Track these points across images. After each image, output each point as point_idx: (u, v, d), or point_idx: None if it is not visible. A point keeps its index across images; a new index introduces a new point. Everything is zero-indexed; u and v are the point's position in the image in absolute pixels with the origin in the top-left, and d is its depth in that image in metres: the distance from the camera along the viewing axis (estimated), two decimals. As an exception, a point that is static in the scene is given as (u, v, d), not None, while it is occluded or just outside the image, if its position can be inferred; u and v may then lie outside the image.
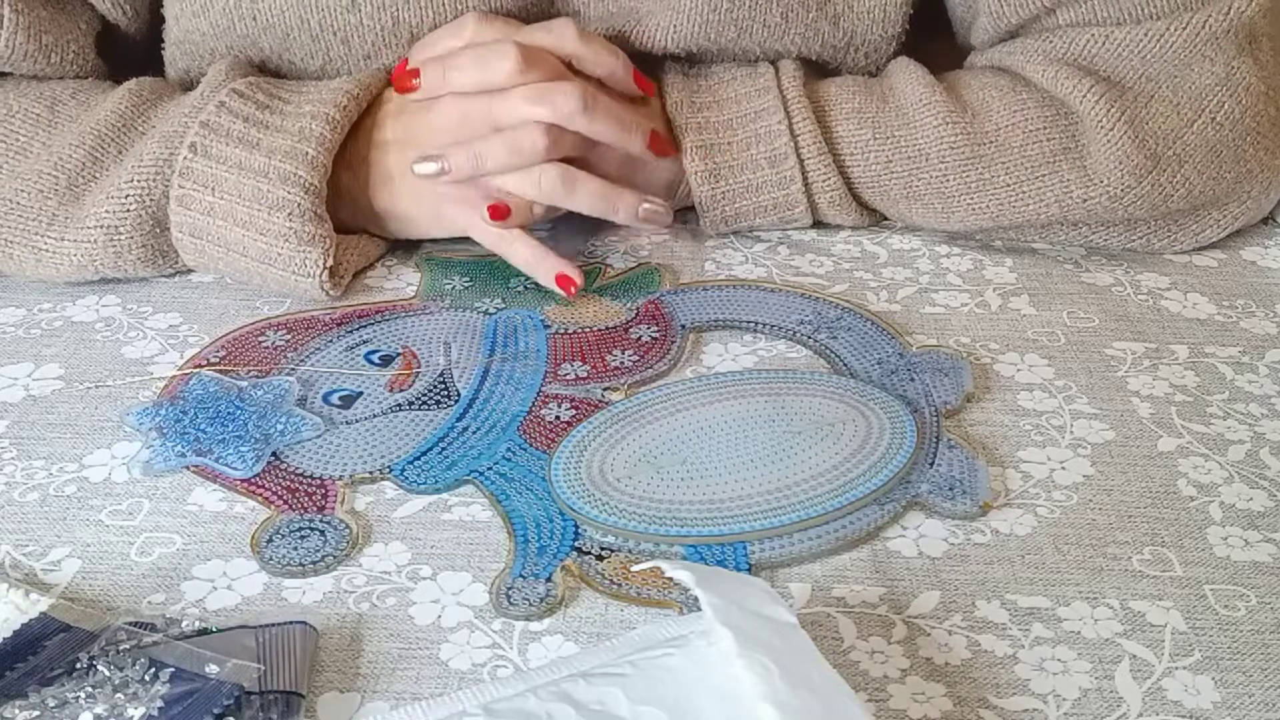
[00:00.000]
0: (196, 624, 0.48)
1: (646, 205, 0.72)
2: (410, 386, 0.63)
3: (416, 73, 0.70)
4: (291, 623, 0.48)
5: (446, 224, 0.72)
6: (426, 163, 0.69)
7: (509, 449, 0.58)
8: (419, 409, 0.61)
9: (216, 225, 0.68)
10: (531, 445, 0.59)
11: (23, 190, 0.69)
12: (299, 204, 0.67)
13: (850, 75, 0.77)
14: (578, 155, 0.70)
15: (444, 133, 0.70)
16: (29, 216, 0.69)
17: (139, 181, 0.68)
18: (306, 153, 0.67)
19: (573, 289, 0.68)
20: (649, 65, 0.76)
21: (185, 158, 0.68)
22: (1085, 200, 0.71)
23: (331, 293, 0.69)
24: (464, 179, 0.69)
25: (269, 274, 0.68)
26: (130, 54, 0.78)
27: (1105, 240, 0.75)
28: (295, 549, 0.53)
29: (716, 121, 0.73)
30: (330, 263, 0.68)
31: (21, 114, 0.72)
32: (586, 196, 0.70)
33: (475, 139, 0.69)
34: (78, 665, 0.45)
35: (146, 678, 0.44)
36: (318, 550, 0.53)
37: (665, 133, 0.73)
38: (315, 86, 0.72)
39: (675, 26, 0.74)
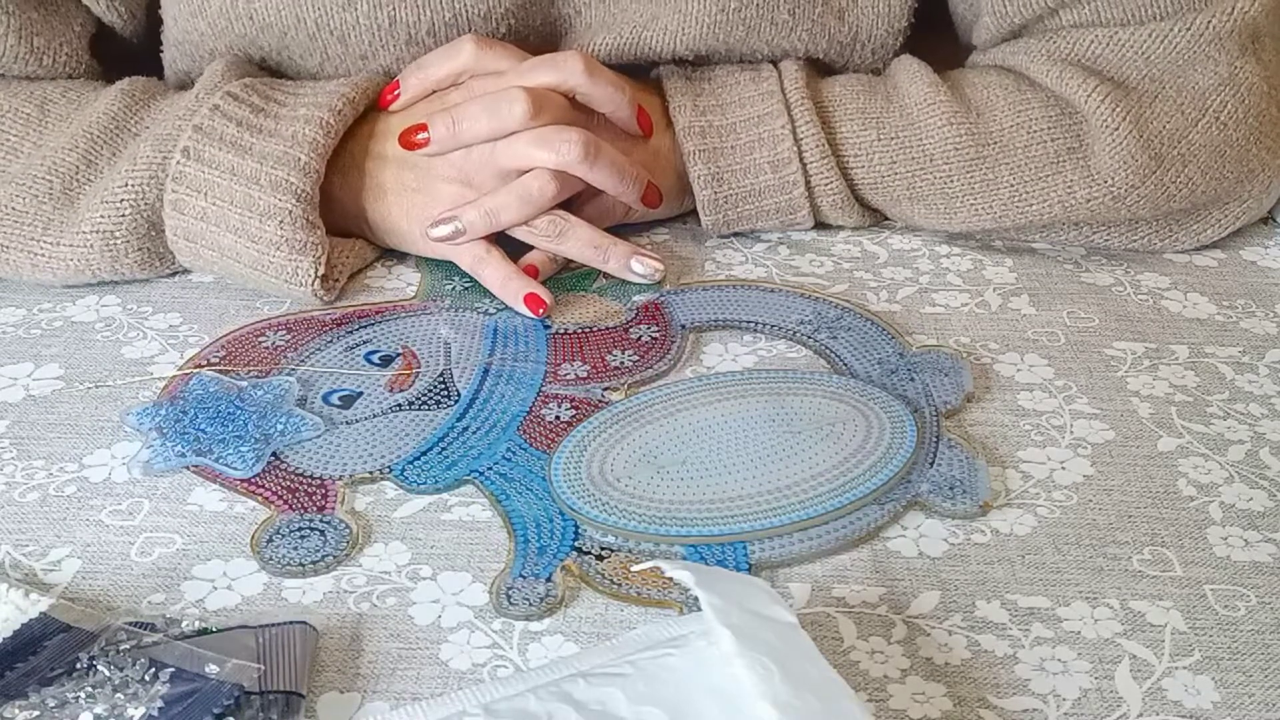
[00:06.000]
0: (196, 624, 0.48)
1: (638, 259, 0.71)
2: (410, 386, 0.63)
3: (423, 126, 0.69)
4: (291, 623, 0.48)
5: (435, 244, 0.71)
6: (441, 226, 0.69)
7: (509, 449, 0.58)
8: (419, 409, 0.61)
9: (210, 230, 0.68)
10: (531, 445, 0.59)
11: (17, 194, 0.69)
12: (290, 211, 0.67)
13: (854, 74, 0.77)
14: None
15: (446, 164, 0.70)
16: (24, 221, 0.69)
17: (133, 186, 0.68)
18: (299, 158, 0.67)
19: (541, 309, 0.68)
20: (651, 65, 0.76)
21: (178, 162, 0.67)
22: (1089, 200, 0.71)
23: (325, 298, 0.69)
24: (481, 235, 0.69)
25: (262, 280, 0.68)
26: (124, 57, 0.78)
27: (1106, 240, 0.75)
28: (295, 549, 0.53)
29: (720, 125, 0.73)
30: (322, 270, 0.68)
31: (11, 114, 0.72)
32: (576, 243, 0.70)
33: (485, 195, 0.69)
34: (78, 665, 0.45)
35: (146, 678, 0.44)
36: (318, 550, 0.53)
37: (669, 185, 0.74)
38: (311, 89, 0.72)
39: (683, 29, 0.74)
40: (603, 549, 0.53)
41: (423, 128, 0.69)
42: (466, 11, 0.72)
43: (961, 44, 0.80)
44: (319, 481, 0.57)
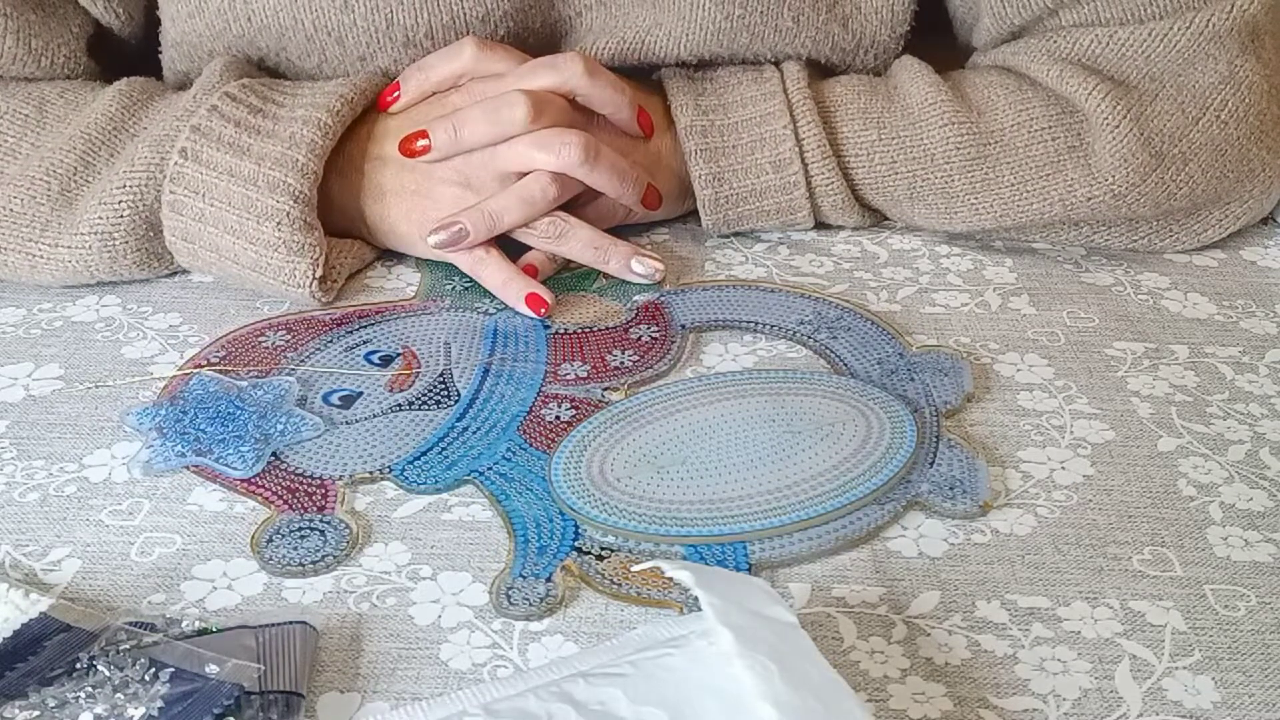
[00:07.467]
0: (196, 624, 0.48)
1: (638, 259, 0.71)
2: (410, 386, 0.63)
3: (424, 133, 0.69)
4: (291, 623, 0.48)
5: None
6: (440, 232, 0.68)
7: (509, 449, 0.58)
8: (419, 409, 0.61)
9: (208, 231, 0.68)
10: (531, 445, 0.59)
11: (15, 196, 0.69)
12: (288, 213, 0.66)
13: (855, 74, 0.77)
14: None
15: (446, 167, 0.70)
16: (22, 223, 0.69)
17: (131, 187, 0.68)
18: (296, 160, 0.67)
19: (543, 309, 0.68)
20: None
21: (176, 163, 0.67)
22: (1089, 199, 0.71)
23: (323, 299, 0.69)
24: (483, 239, 0.69)
25: (260, 281, 0.68)
26: (123, 58, 0.78)
27: (1107, 240, 0.75)
28: (295, 549, 0.53)
29: (722, 125, 0.73)
30: (320, 272, 0.68)
31: (9, 115, 0.71)
32: (577, 244, 0.70)
33: (485, 199, 0.69)
34: (78, 665, 0.45)
35: (146, 678, 0.44)
36: (318, 550, 0.53)
37: (669, 186, 0.74)
38: (309, 89, 0.71)
39: (687, 35, 0.73)
40: (603, 549, 0.53)
41: (423, 135, 0.69)
42: (464, 14, 0.72)
43: (961, 45, 0.80)
44: (319, 481, 0.57)
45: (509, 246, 0.71)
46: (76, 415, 0.62)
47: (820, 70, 0.77)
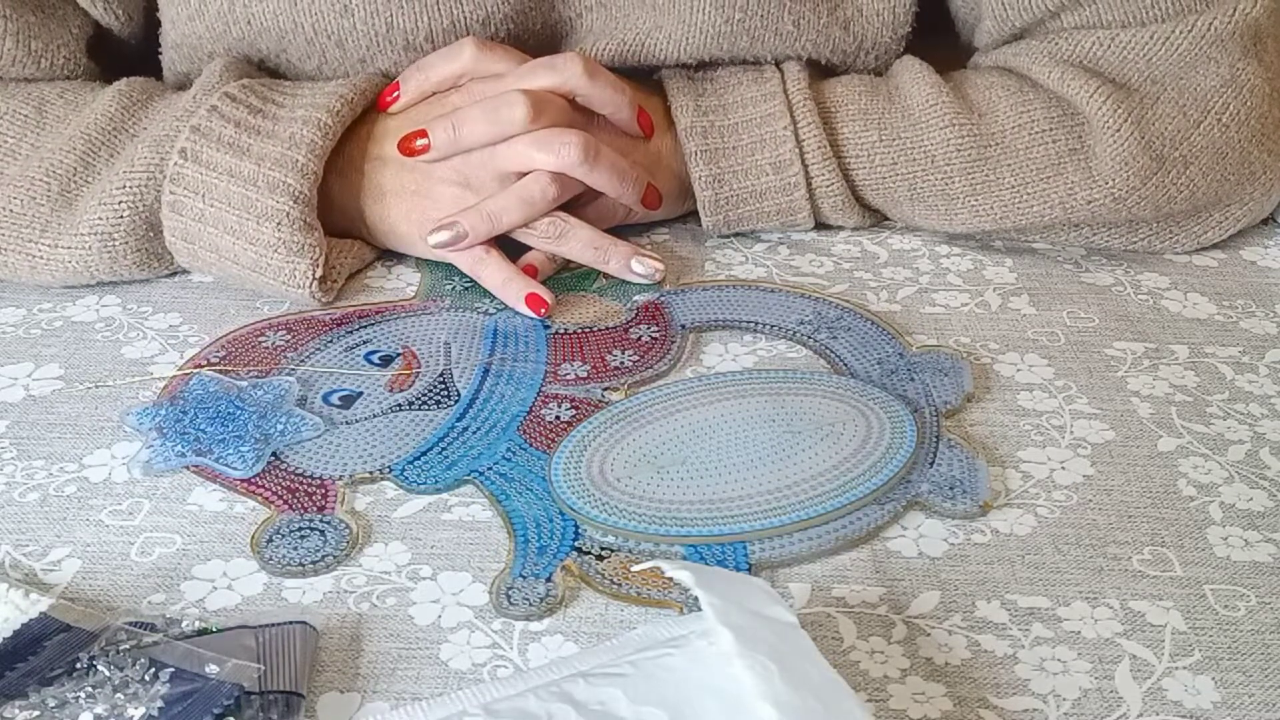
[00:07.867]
0: (196, 624, 0.48)
1: (638, 259, 0.71)
2: (410, 386, 0.63)
3: (423, 133, 0.69)
4: (291, 623, 0.48)
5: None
6: (440, 232, 0.68)
7: (509, 449, 0.58)
8: (419, 409, 0.61)
9: (208, 232, 0.68)
10: (531, 445, 0.59)
11: (15, 197, 0.69)
12: (288, 213, 0.66)
13: (856, 75, 0.77)
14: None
15: (445, 167, 0.70)
16: (22, 224, 0.69)
17: (131, 187, 0.68)
18: (296, 160, 0.67)
19: (543, 309, 0.68)
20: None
21: (176, 163, 0.67)
22: (1090, 202, 0.71)
23: (323, 299, 0.69)
24: (482, 240, 0.69)
25: (260, 281, 0.68)
26: (123, 57, 0.78)
27: (1106, 241, 0.75)
28: (295, 549, 0.53)
29: (722, 126, 0.73)
30: (320, 272, 0.68)
31: (9, 116, 0.71)
32: (577, 244, 0.70)
33: (485, 199, 0.69)
34: (78, 665, 0.45)
35: (146, 678, 0.44)
36: (318, 550, 0.53)
37: (669, 186, 0.74)
38: (308, 90, 0.71)
39: (687, 39, 0.73)
40: (603, 549, 0.53)
41: (422, 134, 0.69)
42: (464, 18, 0.72)
43: (962, 45, 0.80)
44: (319, 481, 0.57)
45: (509, 246, 0.71)
46: (76, 415, 0.62)
47: (821, 70, 0.77)
